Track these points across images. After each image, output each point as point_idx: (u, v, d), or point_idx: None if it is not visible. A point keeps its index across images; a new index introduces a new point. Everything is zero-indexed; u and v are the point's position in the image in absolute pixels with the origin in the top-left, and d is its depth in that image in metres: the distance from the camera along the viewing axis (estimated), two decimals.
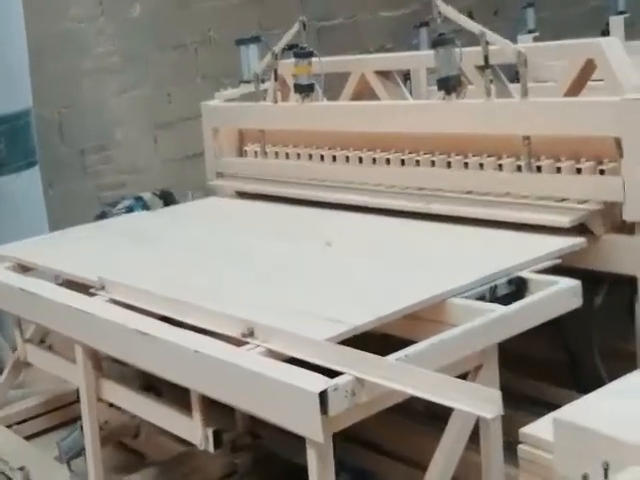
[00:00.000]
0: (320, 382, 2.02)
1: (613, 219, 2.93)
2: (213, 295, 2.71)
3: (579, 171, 3.02)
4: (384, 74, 3.81)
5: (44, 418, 3.83)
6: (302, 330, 2.29)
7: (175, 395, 2.72)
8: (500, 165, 3.23)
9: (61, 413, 3.82)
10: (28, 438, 3.69)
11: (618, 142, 2.84)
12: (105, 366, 3.09)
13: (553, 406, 1.97)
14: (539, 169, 3.11)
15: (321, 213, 3.66)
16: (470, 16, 3.36)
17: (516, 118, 3.12)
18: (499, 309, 2.42)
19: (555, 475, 1.79)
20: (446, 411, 2.21)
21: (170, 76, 6.28)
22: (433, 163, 3.44)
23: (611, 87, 2.95)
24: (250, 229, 3.60)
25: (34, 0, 5.23)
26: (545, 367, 3.21)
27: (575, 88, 3.21)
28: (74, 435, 3.20)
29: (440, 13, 3.26)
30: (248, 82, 4.26)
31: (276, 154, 4.11)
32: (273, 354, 2.28)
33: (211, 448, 2.52)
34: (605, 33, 4.75)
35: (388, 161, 3.60)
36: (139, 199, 4.44)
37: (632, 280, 2.86)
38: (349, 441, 2.72)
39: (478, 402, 1.92)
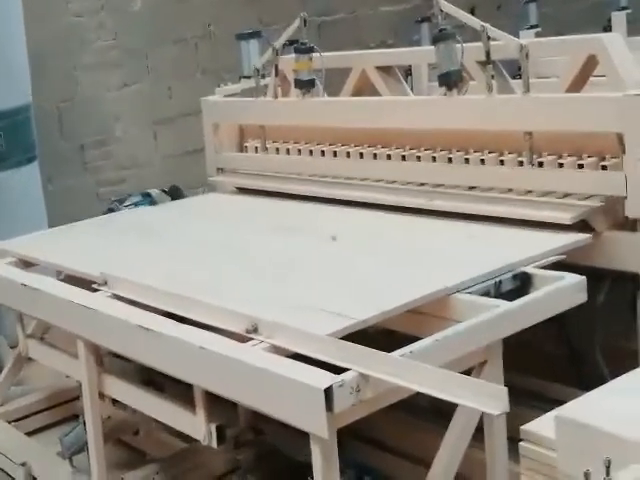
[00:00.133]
0: (326, 378, 2.03)
1: (615, 216, 2.93)
2: (216, 291, 2.71)
3: (581, 167, 3.02)
4: (385, 70, 3.80)
5: (45, 414, 3.84)
6: (306, 325, 2.29)
7: (177, 390, 2.72)
8: (502, 161, 3.23)
9: (62, 409, 3.82)
10: (29, 434, 3.69)
11: (620, 138, 2.84)
12: (106, 361, 3.09)
13: (556, 402, 1.97)
14: (541, 165, 3.11)
15: (322, 209, 3.66)
16: (472, 11, 3.36)
17: (518, 114, 3.12)
18: (504, 305, 2.42)
19: (557, 472, 1.78)
20: (450, 407, 2.21)
21: (170, 71, 6.26)
22: (434, 159, 3.44)
23: (613, 83, 2.95)
24: (252, 225, 3.60)
25: None
26: (548, 363, 3.21)
27: (577, 84, 3.21)
28: (76, 431, 3.20)
29: (441, 10, 3.25)
30: (248, 77, 4.25)
31: (277, 150, 4.10)
32: (277, 350, 2.28)
33: (214, 444, 2.52)
34: (607, 29, 4.73)
35: (389, 157, 3.60)
36: (147, 195, 4.43)
37: (634, 277, 2.87)
38: (353, 437, 2.72)
39: (484, 398, 1.92)
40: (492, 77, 3.21)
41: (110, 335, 2.74)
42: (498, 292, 2.54)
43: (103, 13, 5.98)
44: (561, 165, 3.07)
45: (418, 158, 3.50)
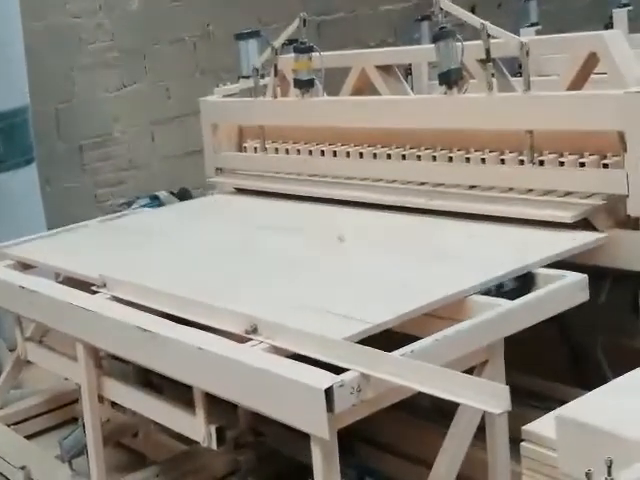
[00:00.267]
0: (326, 378, 2.01)
1: (617, 214, 2.91)
2: (217, 291, 2.70)
3: (582, 165, 3.00)
4: (385, 69, 3.78)
5: (44, 417, 3.83)
6: (318, 329, 2.25)
7: (176, 392, 2.70)
8: (502, 160, 3.21)
9: (61, 412, 3.82)
10: (29, 437, 3.68)
11: (621, 136, 2.83)
12: (105, 364, 3.08)
13: (558, 402, 1.96)
14: (542, 164, 3.09)
15: (323, 209, 3.64)
16: (472, 9, 3.35)
17: (518, 112, 3.10)
18: (505, 304, 2.40)
19: (558, 472, 1.78)
20: (452, 407, 2.19)
21: (169, 71, 6.26)
22: (435, 158, 3.42)
23: (614, 80, 2.94)
24: (253, 225, 3.58)
25: None
26: (549, 363, 3.19)
27: (578, 81, 3.19)
28: (76, 434, 3.19)
29: (441, 8, 3.24)
30: (247, 77, 4.23)
31: (276, 150, 4.08)
32: (277, 350, 2.26)
33: (214, 445, 2.51)
34: (608, 26, 4.71)
35: (389, 156, 3.58)
36: (155, 198, 4.42)
37: (636, 276, 2.85)
38: (354, 438, 2.71)
39: (485, 397, 1.90)
40: (492, 75, 3.20)
41: (109, 337, 2.72)
42: (499, 291, 2.52)
43: (101, 14, 5.97)
44: (562, 164, 3.05)
45: (418, 157, 3.48)
